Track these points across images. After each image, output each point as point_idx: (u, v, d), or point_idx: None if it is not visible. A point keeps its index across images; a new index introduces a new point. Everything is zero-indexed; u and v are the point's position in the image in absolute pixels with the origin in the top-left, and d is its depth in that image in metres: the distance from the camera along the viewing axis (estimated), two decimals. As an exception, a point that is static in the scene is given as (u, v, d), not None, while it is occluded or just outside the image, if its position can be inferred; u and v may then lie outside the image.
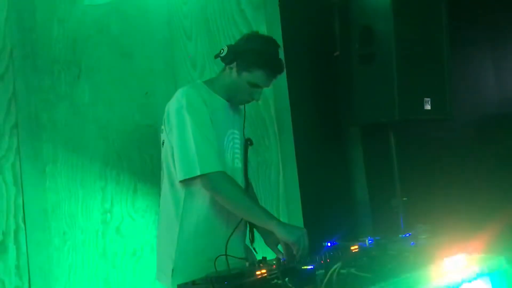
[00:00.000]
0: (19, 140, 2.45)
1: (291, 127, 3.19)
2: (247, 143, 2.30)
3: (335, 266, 1.65)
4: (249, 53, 2.17)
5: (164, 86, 2.85)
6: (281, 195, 3.13)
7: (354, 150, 3.53)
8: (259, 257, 2.00)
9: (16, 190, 2.43)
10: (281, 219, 2.64)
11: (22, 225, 2.43)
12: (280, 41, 2.98)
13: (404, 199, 3.02)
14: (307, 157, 3.22)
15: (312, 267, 1.68)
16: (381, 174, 3.22)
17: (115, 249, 2.66)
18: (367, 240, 2.01)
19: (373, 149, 3.43)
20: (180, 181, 2.10)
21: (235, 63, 2.18)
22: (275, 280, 1.56)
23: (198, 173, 2.04)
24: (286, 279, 1.55)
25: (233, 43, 2.30)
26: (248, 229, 2.31)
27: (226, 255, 1.99)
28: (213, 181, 2.06)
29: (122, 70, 2.76)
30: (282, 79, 3.08)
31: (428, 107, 2.91)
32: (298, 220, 3.10)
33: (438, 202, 3.07)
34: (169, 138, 2.14)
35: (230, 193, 2.08)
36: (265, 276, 1.60)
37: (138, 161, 2.76)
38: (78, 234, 2.57)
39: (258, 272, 1.62)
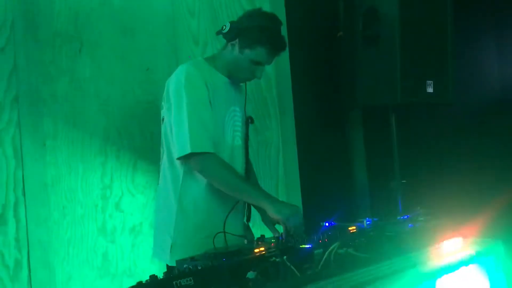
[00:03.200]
0: (20, 114, 2.44)
1: (292, 107, 3.18)
2: (248, 121, 2.30)
3: (333, 246, 1.67)
4: (252, 30, 2.15)
5: (165, 62, 2.84)
6: (280, 174, 3.14)
7: (355, 132, 3.53)
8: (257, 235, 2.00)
9: (16, 163, 2.43)
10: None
11: (22, 198, 2.43)
12: (283, 20, 2.95)
13: (403, 181, 3.03)
14: (307, 138, 3.22)
15: (310, 246, 1.69)
16: (380, 156, 3.23)
17: (114, 224, 2.67)
18: (365, 221, 2.02)
19: (373, 131, 3.43)
20: (177, 159, 2.10)
21: (237, 40, 2.17)
22: (273, 258, 1.57)
23: (189, 151, 2.04)
24: (285, 257, 1.56)
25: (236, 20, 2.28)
26: (245, 207, 2.32)
27: (224, 232, 2.00)
28: (202, 162, 2.07)
29: (123, 45, 2.74)
30: (284, 59, 3.06)
31: (430, 89, 2.90)
32: (297, 199, 3.11)
33: (436, 185, 3.08)
34: (168, 115, 2.14)
35: (218, 174, 2.08)
36: (264, 254, 1.61)
37: (138, 138, 2.75)
38: (77, 208, 2.57)
39: (256, 250, 1.63)
